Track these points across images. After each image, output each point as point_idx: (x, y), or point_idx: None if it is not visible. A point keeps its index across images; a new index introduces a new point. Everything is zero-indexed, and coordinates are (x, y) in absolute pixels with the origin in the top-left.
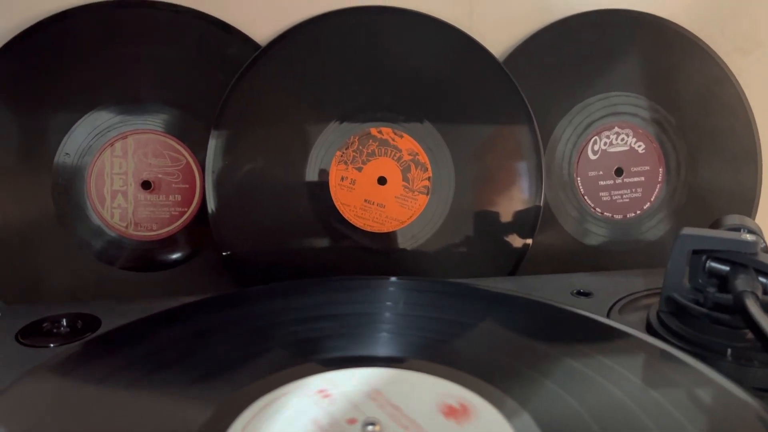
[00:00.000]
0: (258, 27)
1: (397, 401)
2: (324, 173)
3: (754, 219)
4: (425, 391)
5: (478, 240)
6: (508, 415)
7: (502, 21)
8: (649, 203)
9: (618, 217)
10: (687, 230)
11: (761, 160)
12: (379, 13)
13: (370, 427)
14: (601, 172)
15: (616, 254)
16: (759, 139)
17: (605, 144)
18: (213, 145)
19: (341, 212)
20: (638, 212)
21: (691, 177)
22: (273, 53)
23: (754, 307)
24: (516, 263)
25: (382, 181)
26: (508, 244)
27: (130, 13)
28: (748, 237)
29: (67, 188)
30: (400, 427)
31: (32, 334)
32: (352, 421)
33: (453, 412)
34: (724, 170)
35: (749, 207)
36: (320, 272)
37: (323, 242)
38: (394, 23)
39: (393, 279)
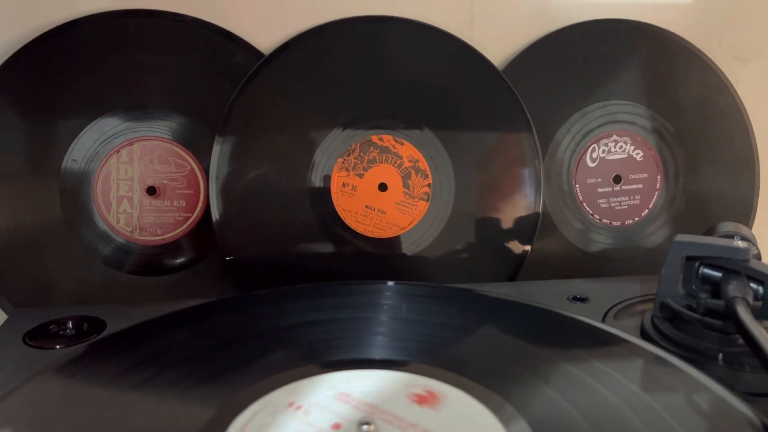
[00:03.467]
0: (262, 36)
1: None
2: (326, 179)
3: (751, 226)
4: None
5: (478, 246)
6: (505, 419)
7: (502, 30)
8: (647, 210)
9: (616, 224)
10: (681, 237)
11: (759, 168)
12: (381, 22)
13: (365, 427)
14: (599, 180)
15: (616, 261)
16: (756, 147)
17: (603, 152)
18: (217, 151)
19: (342, 218)
20: (637, 219)
21: (689, 184)
22: (276, 62)
23: (744, 313)
24: (515, 269)
25: (382, 187)
26: (508, 251)
27: (136, 22)
28: (740, 244)
29: (74, 193)
30: (396, 427)
31: (39, 336)
32: (347, 424)
33: (422, 400)
34: (722, 178)
35: (747, 214)
36: (322, 277)
37: (325, 247)
38: (396, 33)
39: (391, 284)
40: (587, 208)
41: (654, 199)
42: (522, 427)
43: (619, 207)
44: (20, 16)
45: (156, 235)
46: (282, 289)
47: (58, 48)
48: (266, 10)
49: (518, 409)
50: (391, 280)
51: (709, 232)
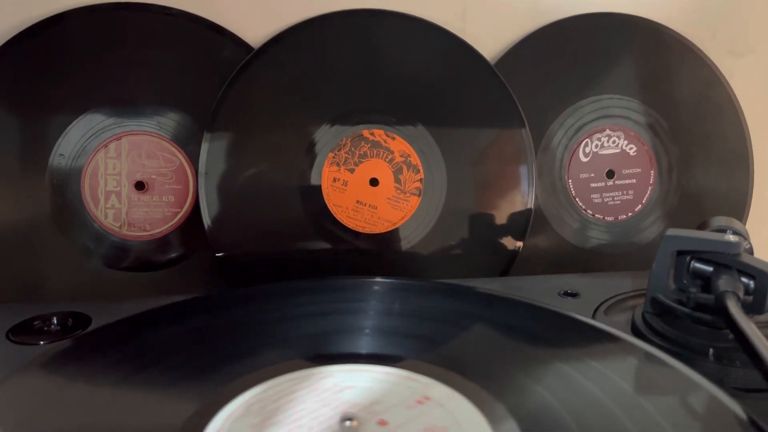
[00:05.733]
0: (251, 30)
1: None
2: (316, 175)
3: (745, 221)
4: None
5: (470, 242)
6: (493, 415)
7: (494, 24)
8: (640, 205)
9: (610, 219)
10: (672, 231)
11: (753, 163)
12: (372, 16)
13: (347, 423)
14: (592, 174)
15: (609, 256)
16: (750, 143)
17: (596, 146)
18: (206, 146)
19: (333, 213)
20: (630, 214)
21: (683, 180)
22: (266, 56)
23: (734, 308)
24: (507, 265)
25: (374, 182)
26: (500, 246)
27: (124, 16)
28: (731, 238)
29: (62, 189)
30: (380, 424)
31: (23, 332)
32: (331, 419)
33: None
34: (716, 173)
35: (741, 209)
36: (312, 273)
37: (315, 243)
38: (387, 26)
39: (382, 279)
40: (580, 204)
41: (647, 195)
42: (510, 425)
43: (612, 202)
44: (5, 10)
45: (145, 230)
46: (270, 285)
47: (44, 42)
48: (255, 3)
49: (507, 407)
50: (382, 275)
51: (702, 226)
